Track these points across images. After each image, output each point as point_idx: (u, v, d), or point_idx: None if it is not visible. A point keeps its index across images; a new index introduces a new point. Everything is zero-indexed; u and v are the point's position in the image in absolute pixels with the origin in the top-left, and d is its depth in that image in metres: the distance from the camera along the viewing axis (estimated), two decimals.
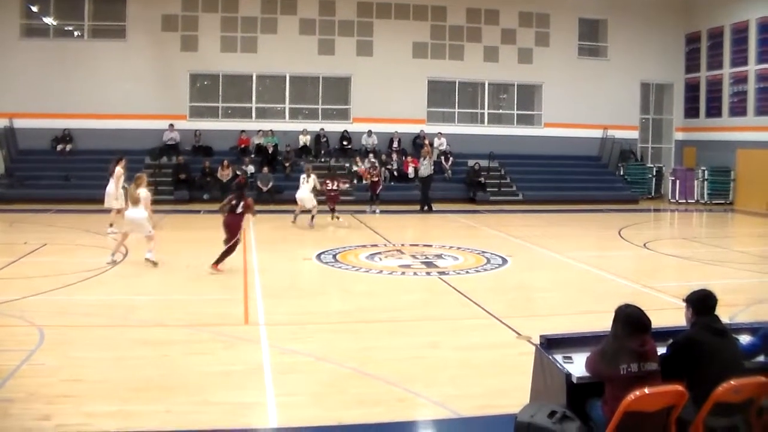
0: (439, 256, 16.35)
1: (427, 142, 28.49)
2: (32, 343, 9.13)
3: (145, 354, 8.91)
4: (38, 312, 10.81)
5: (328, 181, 22.54)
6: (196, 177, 28.39)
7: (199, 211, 25.07)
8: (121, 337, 9.73)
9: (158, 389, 7.68)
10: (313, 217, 21.37)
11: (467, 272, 14.58)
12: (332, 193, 22.44)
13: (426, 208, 26.17)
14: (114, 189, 19.18)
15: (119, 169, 19.44)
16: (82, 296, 12.20)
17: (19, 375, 8.00)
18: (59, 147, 29.66)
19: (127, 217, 15.30)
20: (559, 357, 5.88)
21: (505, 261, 15.83)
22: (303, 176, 22.06)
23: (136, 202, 14.97)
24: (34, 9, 30.76)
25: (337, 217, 22.28)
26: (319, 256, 16.18)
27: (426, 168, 26.14)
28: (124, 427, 6.70)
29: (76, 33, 31.04)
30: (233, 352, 9.13)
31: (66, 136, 29.75)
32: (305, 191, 21.50)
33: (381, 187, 26.11)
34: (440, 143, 31.42)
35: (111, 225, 18.88)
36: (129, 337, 9.69)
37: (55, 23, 30.89)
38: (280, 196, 27.14)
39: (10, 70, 29.18)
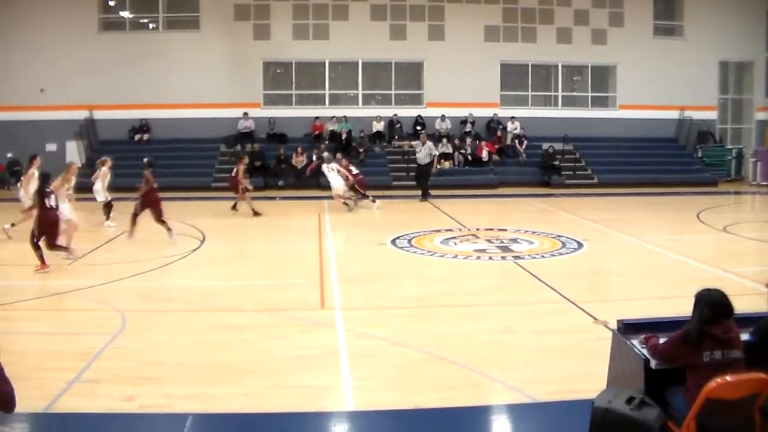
0: (514, 241, 16.22)
1: (424, 135, 26.68)
2: (115, 327, 9.37)
3: (223, 338, 9.06)
4: (120, 297, 11.11)
5: (351, 167, 22.63)
6: (271, 164, 28.71)
7: (274, 198, 25.35)
8: (199, 321, 9.90)
9: (236, 372, 7.80)
10: (346, 203, 21.86)
11: (542, 256, 14.44)
12: (358, 177, 22.53)
13: (424, 195, 24.87)
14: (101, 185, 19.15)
15: (105, 169, 19.50)
16: (161, 282, 12.52)
17: (103, 357, 8.22)
18: (137, 137, 30.37)
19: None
20: (636, 342, 5.77)
21: (580, 245, 15.62)
22: (326, 166, 22.19)
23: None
24: (111, 3, 31.49)
25: (373, 200, 22.34)
26: (393, 241, 16.18)
27: (424, 156, 25.09)
28: (204, 408, 6.83)
29: (151, 25, 31.69)
30: (309, 336, 9.21)
31: (143, 126, 30.45)
32: (337, 180, 21.72)
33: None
34: (514, 127, 31.17)
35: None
36: (207, 321, 9.85)
37: (131, 16, 31.58)
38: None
39: (89, 63, 29.98)
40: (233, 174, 21.75)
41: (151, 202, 16.34)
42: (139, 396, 7.08)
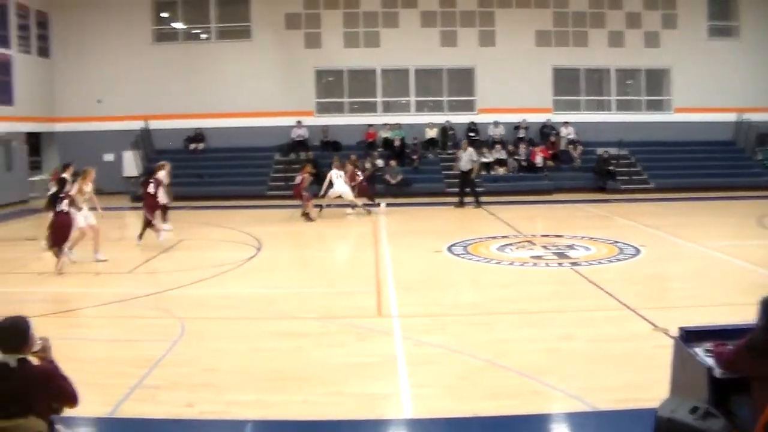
0: (571, 247, 16.06)
1: (465, 141, 26.50)
2: (174, 335, 9.49)
3: (281, 345, 9.11)
4: (179, 305, 11.25)
5: (358, 172, 22.93)
6: (325, 172, 28.75)
7: (329, 206, 25.42)
8: (257, 329, 9.98)
9: (294, 380, 7.83)
10: (355, 206, 22.22)
11: (600, 263, 14.27)
12: (363, 183, 22.75)
13: (460, 202, 24.56)
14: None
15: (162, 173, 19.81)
16: (218, 289, 12.62)
17: (163, 364, 8.33)
18: (192, 146, 30.74)
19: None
20: (699, 350, 5.64)
21: (638, 251, 15.40)
22: (335, 172, 22.22)
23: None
24: (164, 15, 31.93)
25: (377, 204, 22.91)
26: (449, 248, 16.13)
27: (465, 163, 24.81)
28: (262, 415, 6.88)
29: (203, 36, 32.10)
30: (367, 343, 9.22)
31: (198, 135, 30.81)
32: (343, 185, 21.98)
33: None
34: (568, 132, 30.90)
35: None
36: (264, 329, 9.93)
37: (183, 27, 32.03)
38: (409, 189, 27.38)
39: (144, 75, 30.57)
40: (298, 182, 21.99)
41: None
42: (198, 402, 7.15)
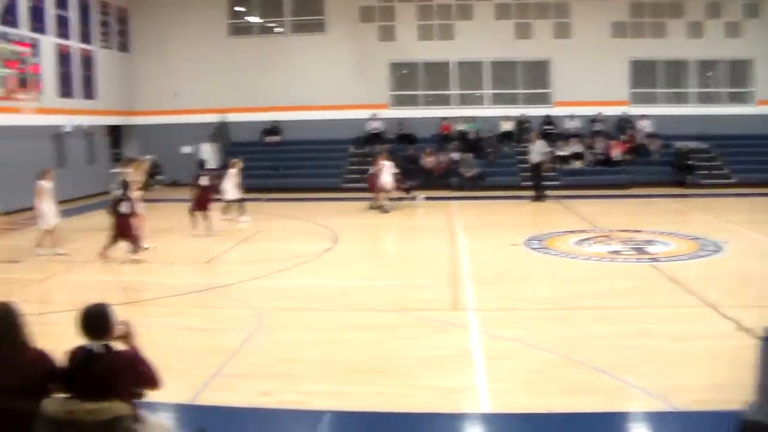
0: (649, 242, 15.75)
1: (535, 133, 26.39)
2: (252, 325, 9.64)
3: (357, 337, 9.17)
4: (256, 295, 11.43)
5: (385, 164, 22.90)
6: (401, 165, 28.80)
7: (402, 199, 25.48)
8: (332, 320, 10.04)
9: (370, 371, 7.88)
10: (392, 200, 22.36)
11: (679, 259, 13.98)
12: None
13: (538, 195, 24.26)
14: None
15: (234, 171, 20.19)
16: (294, 281, 12.74)
17: (242, 353, 8.48)
18: (268, 139, 31.09)
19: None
20: None
21: (719, 247, 15.02)
22: (384, 163, 22.40)
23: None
24: (240, 9, 32.34)
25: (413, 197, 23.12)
26: (526, 241, 16.02)
27: (535, 155, 24.52)
28: (338, 406, 6.93)
29: (278, 29, 32.39)
30: (442, 336, 9.20)
31: (274, 128, 31.15)
32: (389, 177, 22.11)
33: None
34: (645, 125, 30.30)
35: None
36: (340, 320, 9.99)
37: (258, 21, 32.37)
38: (484, 182, 27.24)
39: (220, 68, 31.08)
40: (373, 173, 22.14)
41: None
42: (275, 391, 7.26)
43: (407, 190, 23.87)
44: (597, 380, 7.52)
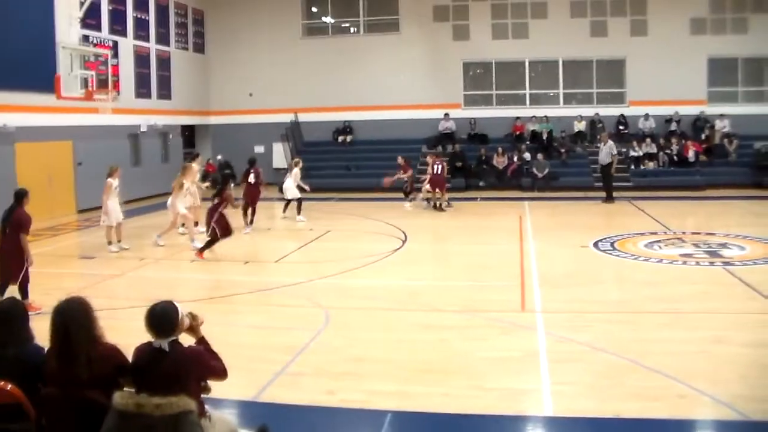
0: (724, 245, 15.33)
1: (605, 134, 25.50)
2: (319, 323, 9.69)
3: (424, 337, 9.13)
4: (324, 294, 11.48)
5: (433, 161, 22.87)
6: (472, 165, 28.69)
7: (475, 198, 25.37)
8: (400, 320, 10.03)
9: (436, 372, 7.84)
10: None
11: (755, 263, 13.52)
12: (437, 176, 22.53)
13: (608, 197, 23.78)
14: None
15: (297, 170, 20.55)
16: (363, 280, 12.77)
17: (308, 352, 8.53)
18: (340, 138, 31.27)
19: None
20: None
21: None
22: (432, 161, 22.54)
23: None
24: (314, 9, 32.62)
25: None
26: (596, 243, 15.76)
27: (604, 156, 23.99)
28: (403, 406, 6.90)
29: (352, 29, 32.61)
30: (510, 338, 9.11)
31: (346, 127, 31.32)
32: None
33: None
34: (723, 125, 29.46)
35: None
36: (408, 320, 9.97)
37: (333, 21, 32.63)
38: (556, 183, 26.95)
39: (294, 68, 31.38)
40: (437, 173, 22.15)
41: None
42: (340, 390, 7.27)
43: (407, 192, 23.66)
44: (666, 386, 7.31)
